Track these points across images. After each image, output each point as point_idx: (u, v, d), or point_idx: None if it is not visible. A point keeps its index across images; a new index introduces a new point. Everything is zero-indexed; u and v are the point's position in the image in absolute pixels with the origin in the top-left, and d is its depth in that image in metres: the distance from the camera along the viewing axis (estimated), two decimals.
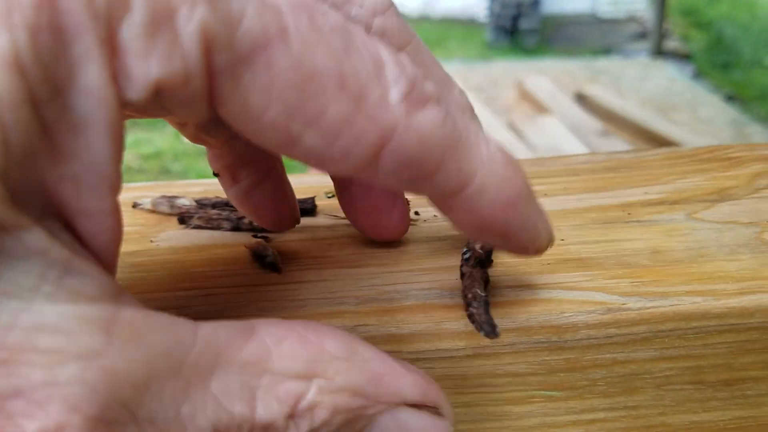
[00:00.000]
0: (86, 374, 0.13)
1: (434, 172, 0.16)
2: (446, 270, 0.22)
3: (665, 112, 2.66)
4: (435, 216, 0.25)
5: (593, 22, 8.89)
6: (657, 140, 2.29)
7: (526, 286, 0.20)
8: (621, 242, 0.22)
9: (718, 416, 0.20)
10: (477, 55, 7.57)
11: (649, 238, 0.22)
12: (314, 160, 0.15)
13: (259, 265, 0.22)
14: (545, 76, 3.49)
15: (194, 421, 0.14)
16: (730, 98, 6.90)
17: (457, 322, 0.19)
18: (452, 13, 9.46)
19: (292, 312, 0.20)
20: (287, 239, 0.24)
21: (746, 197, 0.25)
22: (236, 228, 0.25)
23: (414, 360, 0.19)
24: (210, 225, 0.25)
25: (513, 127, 2.52)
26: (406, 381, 0.16)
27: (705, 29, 10.48)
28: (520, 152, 2.07)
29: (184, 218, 0.25)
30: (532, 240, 0.17)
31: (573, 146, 2.33)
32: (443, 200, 0.16)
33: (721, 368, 0.20)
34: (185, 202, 0.26)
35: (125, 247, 0.24)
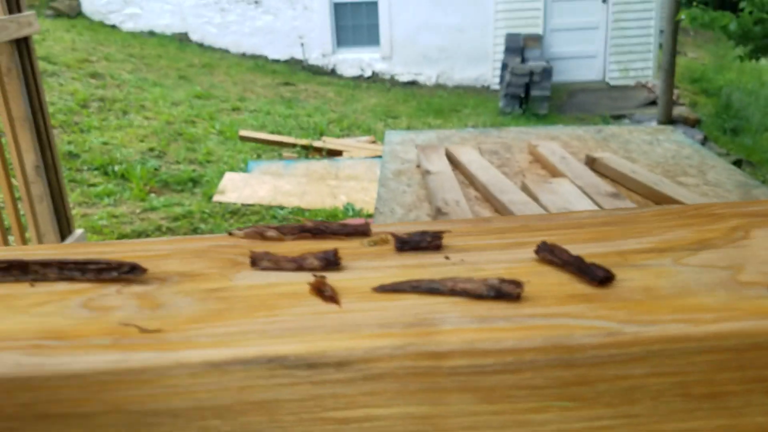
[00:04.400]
0: None
1: None
2: (475, 302, 0.26)
3: (674, 176, 2.72)
4: (462, 260, 0.30)
5: (603, 89, 9.15)
6: (666, 202, 2.34)
7: (542, 315, 0.25)
8: (618, 282, 0.27)
9: (704, 425, 0.24)
10: (490, 121, 7.78)
11: (642, 279, 0.27)
12: None
13: (321, 298, 0.27)
14: (556, 141, 3.57)
15: None
16: (740, 162, 6.98)
17: (485, 342, 0.24)
18: (466, 81, 9.80)
19: (351, 333, 0.24)
20: (341, 278, 0.29)
21: (724, 246, 0.29)
22: (299, 268, 0.30)
23: (450, 374, 0.23)
24: (277, 267, 0.30)
25: (526, 189, 2.58)
26: None
27: (713, 96, 10.70)
28: (535, 212, 2.14)
29: (255, 261, 0.30)
30: None
31: (585, 207, 2.38)
32: None
33: (704, 383, 0.24)
34: (273, 233, 0.31)
35: (209, 284, 0.29)
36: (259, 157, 5.71)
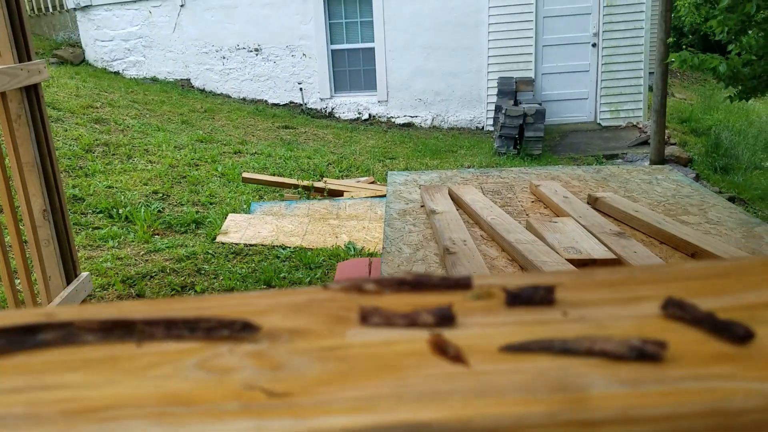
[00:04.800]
0: None
1: None
2: (616, 363, 0.26)
3: (676, 214, 2.73)
4: (582, 317, 0.29)
5: (595, 129, 9.29)
6: (671, 241, 2.34)
7: (692, 378, 0.24)
8: (759, 339, 0.26)
9: None
10: (486, 161, 7.86)
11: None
12: None
13: (445, 358, 0.26)
14: (557, 180, 3.61)
15: None
16: (733, 200, 7.05)
17: (638, 409, 0.23)
18: (461, 123, 9.94)
19: (493, 399, 0.24)
20: (458, 335, 0.28)
21: None
22: (412, 324, 0.29)
23: None
24: (388, 323, 0.29)
25: (531, 228, 2.59)
26: None
27: (702, 135, 10.87)
28: (542, 250, 2.14)
29: (365, 316, 0.30)
30: None
31: (591, 246, 2.39)
32: None
33: None
34: (371, 287, 0.31)
35: (322, 342, 0.28)
36: (261, 198, 5.73)
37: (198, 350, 0.29)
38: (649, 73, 8.78)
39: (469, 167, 7.25)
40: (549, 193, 3.20)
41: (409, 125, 10.08)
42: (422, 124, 10.08)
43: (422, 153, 8.25)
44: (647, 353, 0.25)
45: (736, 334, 0.26)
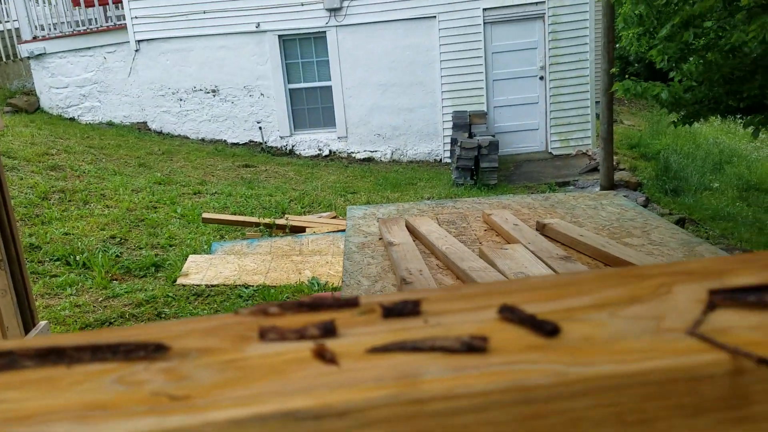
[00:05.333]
0: None
1: None
2: (451, 356, 0.32)
3: (620, 237, 2.86)
4: (438, 323, 0.36)
5: (547, 158, 9.59)
6: (614, 263, 2.46)
7: (504, 363, 0.31)
8: (564, 333, 0.33)
9: None
10: (444, 192, 8.01)
11: (583, 330, 0.34)
12: None
13: (322, 361, 0.33)
14: (508, 209, 3.72)
15: None
16: (683, 221, 7.31)
17: (459, 388, 0.29)
18: (419, 156, 10.13)
19: (349, 388, 0.30)
20: (338, 344, 0.34)
21: (650, 301, 0.36)
22: (302, 338, 0.36)
23: (432, 416, 0.29)
24: (282, 338, 0.36)
25: (484, 256, 2.68)
26: None
27: (652, 160, 11.28)
28: (494, 277, 2.23)
29: (263, 334, 0.36)
30: None
31: (540, 270, 2.49)
32: None
33: (635, 411, 0.30)
34: (275, 310, 0.37)
35: (225, 357, 0.34)
36: (222, 238, 5.72)
37: (118, 369, 0.34)
38: (596, 102, 9.14)
39: (428, 199, 7.38)
40: (500, 221, 3.31)
41: (369, 160, 10.22)
42: (382, 159, 10.23)
43: (383, 186, 8.37)
44: (474, 346, 0.32)
45: (546, 329, 0.33)
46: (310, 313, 0.38)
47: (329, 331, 0.35)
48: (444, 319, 0.37)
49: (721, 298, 0.35)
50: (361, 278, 2.96)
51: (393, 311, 0.37)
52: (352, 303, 0.39)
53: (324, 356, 0.33)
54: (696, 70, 6.61)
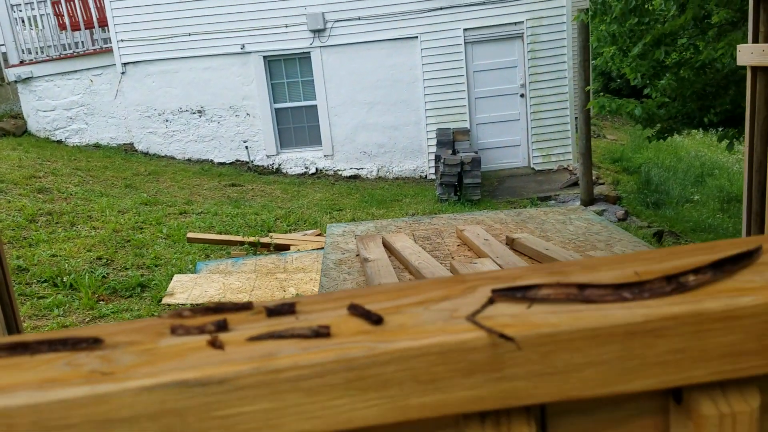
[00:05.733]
0: None
1: None
2: (304, 340, 0.46)
3: (584, 250, 3.00)
4: (306, 318, 0.49)
5: (530, 174, 9.78)
6: None
7: (339, 343, 0.44)
8: (387, 322, 0.47)
9: (431, 399, 0.43)
10: (429, 208, 8.17)
11: (402, 320, 0.47)
12: None
13: (213, 347, 0.46)
14: (481, 224, 3.86)
15: None
16: (661, 233, 7.48)
17: (304, 360, 0.42)
18: (405, 173, 10.31)
19: (228, 364, 0.43)
20: (229, 336, 0.47)
21: (456, 298, 0.49)
22: (202, 332, 0.48)
23: (285, 381, 0.42)
24: (187, 333, 0.48)
25: (454, 271, 2.81)
26: None
27: (634, 173, 11.49)
28: None
29: (173, 330, 0.49)
30: None
31: None
32: None
33: (427, 374, 0.43)
34: (188, 313, 0.50)
35: (143, 347, 0.47)
36: (207, 257, 5.82)
37: (67, 356, 0.48)
38: (575, 118, 9.36)
39: (413, 215, 7.52)
40: (472, 236, 3.45)
41: (355, 177, 10.37)
42: (368, 176, 10.39)
43: (368, 203, 8.50)
44: (320, 333, 0.46)
45: (373, 319, 0.47)
46: (213, 315, 0.51)
47: (222, 326, 0.48)
48: (310, 315, 0.50)
49: (498, 295, 0.48)
50: None
51: (274, 311, 0.50)
52: (246, 306, 0.52)
53: (215, 344, 0.47)
54: (669, 86, 6.81)
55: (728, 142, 7.22)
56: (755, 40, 3.37)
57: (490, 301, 0.48)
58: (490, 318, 0.46)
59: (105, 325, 0.50)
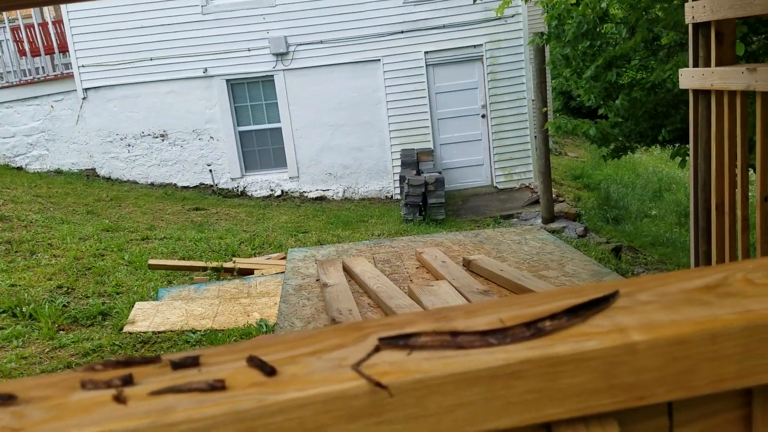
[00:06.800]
0: None
1: None
2: (202, 394, 0.50)
3: (537, 270, 3.07)
4: (208, 371, 0.53)
5: (493, 192, 9.95)
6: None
7: (231, 396, 0.49)
8: (281, 372, 0.51)
9: None
10: (395, 229, 8.24)
11: (295, 370, 0.52)
12: None
13: (117, 402, 0.49)
14: (440, 246, 3.92)
15: None
16: (619, 249, 7.66)
17: (197, 414, 0.47)
18: (371, 194, 10.39)
19: (129, 419, 0.47)
20: (133, 390, 0.51)
21: (349, 346, 0.54)
22: (109, 386, 0.52)
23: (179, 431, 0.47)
24: (96, 387, 0.52)
25: (412, 294, 2.86)
26: None
27: (594, 190, 11.76)
28: None
29: (83, 385, 0.53)
30: None
31: (461, 304, 2.67)
32: None
33: (312, 421, 0.48)
34: (99, 367, 0.54)
35: (54, 402, 0.51)
36: (170, 283, 5.77)
37: None
38: (535, 137, 9.58)
39: (379, 236, 7.57)
40: (430, 259, 3.52)
41: (321, 198, 10.40)
42: (334, 197, 10.43)
43: (334, 225, 8.53)
44: (215, 386, 0.50)
45: (266, 371, 0.51)
46: (122, 368, 0.55)
47: (128, 381, 0.52)
48: (213, 368, 0.54)
49: (384, 343, 0.53)
50: (294, 320, 3.10)
51: (179, 365, 0.55)
52: (154, 360, 0.56)
53: (119, 399, 0.50)
54: (622, 106, 7.03)
55: (681, 158, 7.47)
56: (695, 64, 3.54)
57: (376, 350, 0.53)
58: (372, 366, 0.51)
59: (22, 379, 0.54)
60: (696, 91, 3.55)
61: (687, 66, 3.61)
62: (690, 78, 3.52)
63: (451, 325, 0.56)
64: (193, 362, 0.55)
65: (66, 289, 5.52)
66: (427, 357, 0.52)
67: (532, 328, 0.52)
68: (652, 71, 7.05)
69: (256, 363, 0.53)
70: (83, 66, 10.03)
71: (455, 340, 0.53)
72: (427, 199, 8.28)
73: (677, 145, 7.56)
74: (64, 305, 5.14)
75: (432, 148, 9.86)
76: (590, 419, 0.53)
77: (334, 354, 0.54)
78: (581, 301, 0.55)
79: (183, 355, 0.56)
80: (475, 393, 0.50)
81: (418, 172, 8.90)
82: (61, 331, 4.75)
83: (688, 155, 8.11)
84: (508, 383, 0.50)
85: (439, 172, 8.82)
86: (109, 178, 10.40)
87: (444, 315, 0.59)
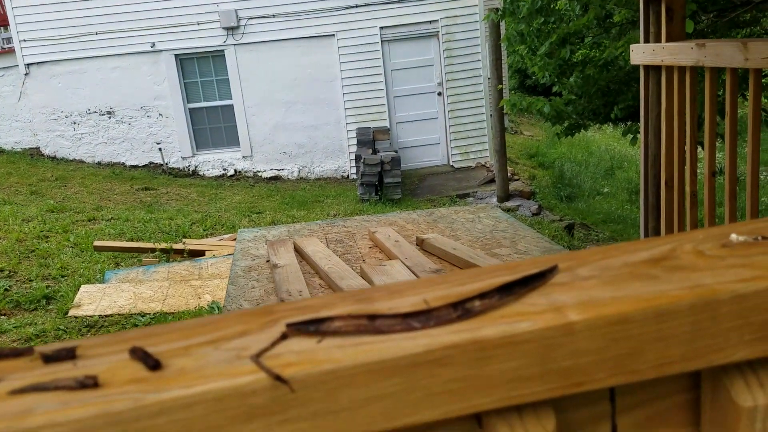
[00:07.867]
0: None
1: None
2: (70, 392, 0.42)
3: (490, 248, 3.04)
4: (84, 365, 0.45)
5: (449, 171, 9.95)
6: None
7: (104, 395, 0.41)
8: (166, 366, 0.44)
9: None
10: (351, 209, 8.15)
11: (186, 363, 0.44)
12: None
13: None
14: (394, 225, 3.86)
15: None
16: (572, 226, 7.78)
17: (60, 417, 0.39)
18: (327, 173, 10.25)
19: None
20: None
21: (254, 334, 0.47)
22: None
23: None
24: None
25: (364, 274, 2.80)
26: None
27: (549, 168, 11.90)
28: None
29: None
30: None
31: None
32: None
33: (204, 423, 0.41)
34: None
35: None
36: (117, 265, 5.57)
37: None
38: (491, 115, 9.59)
39: (334, 215, 7.48)
40: (383, 238, 3.45)
41: (276, 178, 10.22)
42: (289, 177, 10.26)
43: (289, 205, 8.40)
44: (86, 384, 0.42)
45: (149, 364, 0.44)
46: None
47: None
48: (90, 361, 0.46)
49: (292, 329, 0.46)
50: (243, 302, 3.00)
51: (52, 358, 0.46)
52: (26, 352, 0.48)
53: None
54: (576, 84, 7.07)
55: (632, 136, 7.59)
56: (646, 40, 3.54)
57: (283, 337, 0.46)
58: (276, 357, 0.44)
59: None
60: (647, 67, 3.55)
61: (638, 43, 3.61)
62: (641, 54, 3.52)
63: (372, 308, 0.49)
64: (68, 355, 0.47)
65: (8, 272, 5.27)
66: (340, 344, 0.45)
67: (460, 309, 0.46)
68: (604, 49, 7.11)
69: (138, 355, 0.45)
70: (25, 41, 9.54)
71: (373, 324, 0.46)
72: (383, 179, 8.22)
73: (629, 122, 7.68)
74: (5, 289, 4.92)
75: (388, 126, 9.77)
76: (524, 408, 0.47)
77: (234, 343, 0.47)
78: (515, 277, 0.49)
79: (58, 346, 0.48)
80: (394, 384, 0.43)
81: (374, 151, 8.82)
82: (2, 316, 4.54)
83: (639, 133, 8.26)
84: (432, 371, 0.44)
85: (396, 151, 8.75)
86: (54, 157, 9.98)
87: (367, 296, 0.52)
